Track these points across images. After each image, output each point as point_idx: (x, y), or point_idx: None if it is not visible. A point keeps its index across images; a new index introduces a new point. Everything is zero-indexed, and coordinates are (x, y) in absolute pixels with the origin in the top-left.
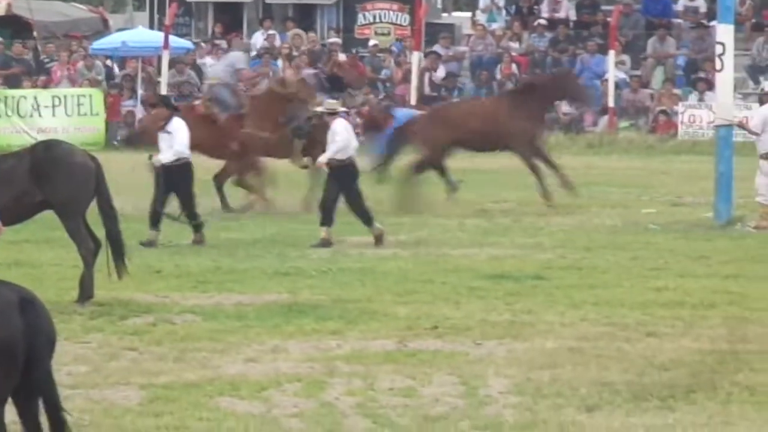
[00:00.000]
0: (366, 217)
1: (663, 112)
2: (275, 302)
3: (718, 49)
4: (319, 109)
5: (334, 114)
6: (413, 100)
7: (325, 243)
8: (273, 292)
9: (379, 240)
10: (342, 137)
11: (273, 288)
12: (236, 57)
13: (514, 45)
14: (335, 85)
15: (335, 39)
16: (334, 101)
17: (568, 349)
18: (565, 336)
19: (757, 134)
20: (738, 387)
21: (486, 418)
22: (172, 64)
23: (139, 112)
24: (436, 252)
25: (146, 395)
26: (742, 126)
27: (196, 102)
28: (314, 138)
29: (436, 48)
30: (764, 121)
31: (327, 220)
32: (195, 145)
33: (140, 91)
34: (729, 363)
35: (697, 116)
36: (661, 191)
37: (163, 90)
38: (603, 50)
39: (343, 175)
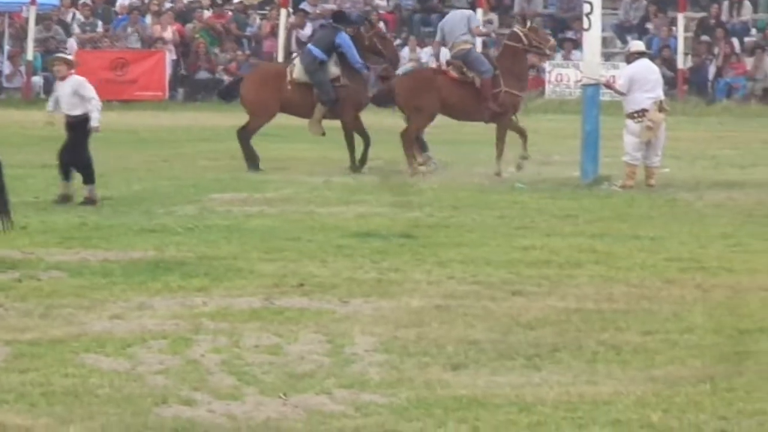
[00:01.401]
0: None
1: (531, 68)
2: (141, 259)
3: (586, 8)
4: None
5: None
6: (280, 57)
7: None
8: (139, 249)
9: None
10: None
11: (139, 245)
12: (469, 14)
13: (382, 2)
14: None
15: None
16: None
17: (435, 308)
18: (431, 294)
19: (623, 94)
20: (604, 346)
21: (352, 376)
22: (39, 20)
23: (6, 68)
24: (303, 210)
25: (11, 352)
26: (608, 86)
27: (448, 67)
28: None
29: (304, 5)
30: (630, 81)
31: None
32: (450, 108)
33: (7, 47)
34: (595, 322)
35: (564, 75)
36: (528, 150)
37: (30, 45)
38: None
39: None
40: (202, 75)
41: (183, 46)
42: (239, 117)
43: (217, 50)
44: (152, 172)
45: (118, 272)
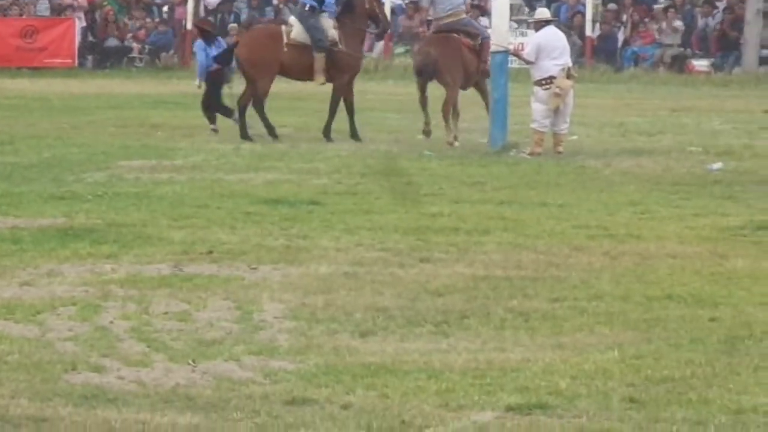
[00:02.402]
0: None
1: None
2: (51, 226)
3: None
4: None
5: None
6: (189, 25)
7: None
8: (48, 216)
9: None
10: None
11: (48, 212)
12: None
13: None
14: None
15: None
16: None
17: (343, 274)
18: (339, 261)
19: (530, 62)
20: (512, 313)
21: (261, 343)
22: None
23: None
24: (212, 177)
25: None
26: (516, 54)
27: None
28: None
29: None
30: (537, 49)
31: None
32: None
33: None
34: (503, 289)
35: None
36: (436, 117)
37: None
38: None
39: None
40: (112, 42)
41: (91, 13)
42: (146, 85)
43: (126, 18)
44: (62, 140)
45: (27, 239)
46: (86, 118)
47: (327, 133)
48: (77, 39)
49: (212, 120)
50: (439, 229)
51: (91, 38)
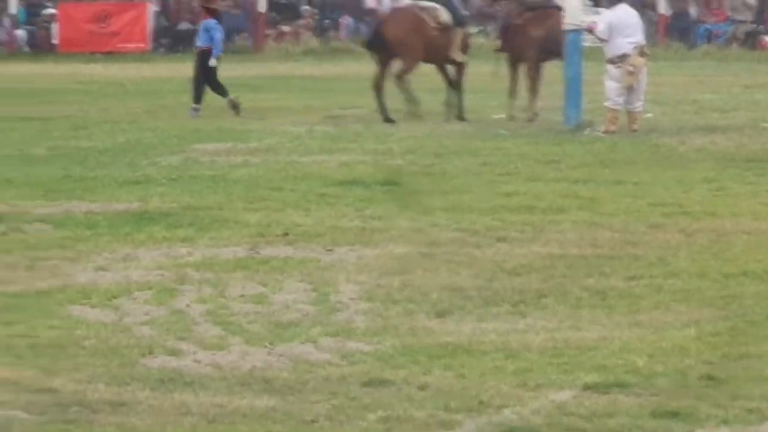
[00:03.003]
0: None
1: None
2: (126, 211)
3: None
4: None
5: None
6: (262, 7)
7: None
8: (124, 200)
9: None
10: None
11: (123, 196)
12: None
13: None
14: None
15: None
16: None
17: (419, 255)
18: (415, 242)
19: (604, 40)
20: (588, 291)
21: (337, 324)
22: None
23: None
24: (286, 159)
25: None
26: (590, 31)
27: None
28: None
29: None
30: (610, 27)
31: None
32: None
33: None
34: (579, 268)
35: None
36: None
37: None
38: None
39: None
40: (184, 26)
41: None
42: (220, 68)
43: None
44: (136, 124)
45: (103, 224)
46: (160, 102)
47: (461, 114)
48: (150, 23)
49: (198, 99)
50: (515, 208)
51: (164, 22)
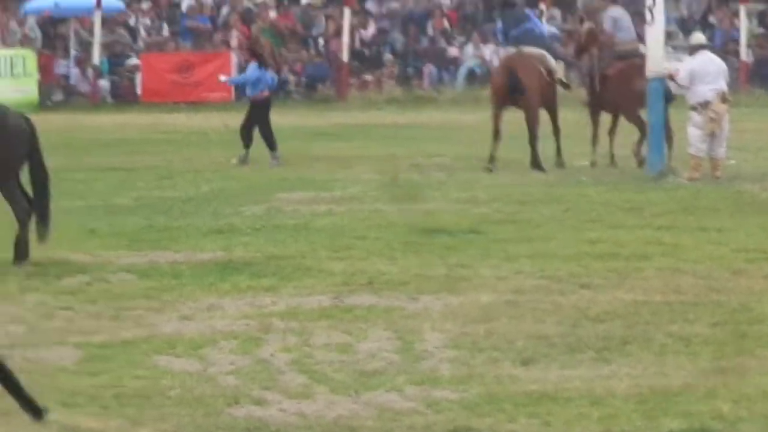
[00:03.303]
0: None
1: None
2: (210, 260)
3: (648, 1)
4: None
5: None
6: (345, 57)
7: None
8: (208, 250)
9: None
10: None
11: (207, 246)
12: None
13: (445, 0)
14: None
15: None
16: None
17: (504, 303)
18: (500, 289)
19: (686, 87)
20: (673, 338)
21: (422, 373)
22: (105, 23)
23: (75, 76)
24: (370, 207)
25: (82, 354)
26: (671, 78)
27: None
28: None
29: (369, 3)
30: (691, 74)
31: None
32: None
33: (73, 52)
34: (663, 314)
35: None
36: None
37: (96, 50)
38: (533, 4)
39: None
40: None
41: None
42: (303, 117)
43: (282, 50)
44: (219, 173)
45: (187, 273)
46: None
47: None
48: (234, 72)
49: (247, 146)
50: (599, 255)
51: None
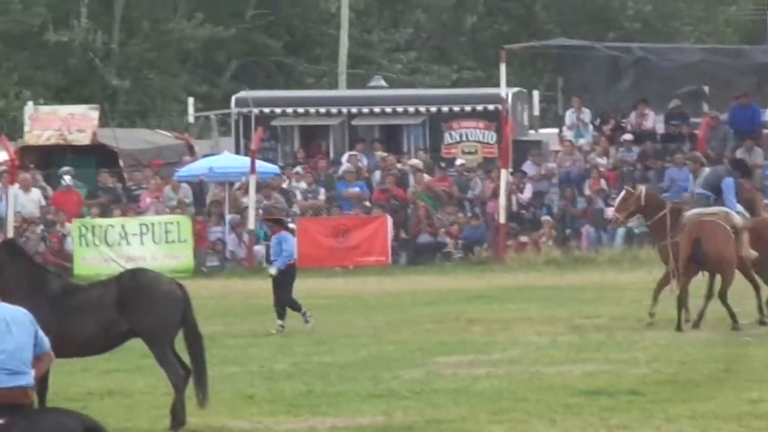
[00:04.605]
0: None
1: None
2: (370, 425)
3: None
4: None
5: None
6: (502, 219)
7: None
8: (367, 414)
9: None
10: None
11: (367, 411)
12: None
13: (602, 160)
14: None
15: (416, 161)
16: None
17: None
18: None
19: None
20: None
21: None
22: (260, 188)
23: (231, 241)
24: (530, 370)
25: None
26: None
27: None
28: None
29: (527, 165)
30: None
31: None
32: None
33: (228, 217)
34: None
35: None
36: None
37: (251, 214)
38: None
39: None
40: (424, 239)
41: (403, 210)
42: (461, 279)
43: (438, 214)
44: (377, 337)
45: None
46: (401, 315)
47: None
48: (390, 236)
49: (281, 315)
50: (761, 415)
51: (403, 235)
